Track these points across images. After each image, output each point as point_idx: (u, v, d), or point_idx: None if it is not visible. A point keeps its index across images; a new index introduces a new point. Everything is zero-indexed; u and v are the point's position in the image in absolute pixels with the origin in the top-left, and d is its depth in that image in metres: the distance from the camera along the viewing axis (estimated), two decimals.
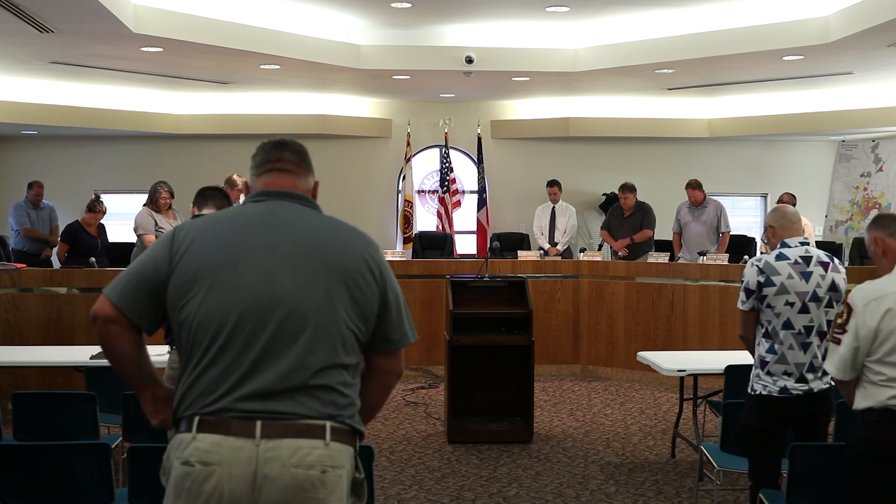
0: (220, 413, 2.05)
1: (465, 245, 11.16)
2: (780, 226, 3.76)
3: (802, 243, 3.70)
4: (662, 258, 8.06)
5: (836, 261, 3.73)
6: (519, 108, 11.50)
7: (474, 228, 11.20)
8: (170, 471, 2.11)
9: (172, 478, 2.08)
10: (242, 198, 8.43)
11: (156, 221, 7.56)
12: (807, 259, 3.66)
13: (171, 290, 2.13)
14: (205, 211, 3.95)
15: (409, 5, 7.49)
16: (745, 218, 11.43)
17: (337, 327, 2.11)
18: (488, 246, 9.18)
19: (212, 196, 4.06)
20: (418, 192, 11.43)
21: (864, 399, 3.04)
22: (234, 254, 2.12)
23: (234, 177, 8.79)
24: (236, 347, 2.07)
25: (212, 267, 2.11)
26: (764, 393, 3.66)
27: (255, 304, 2.08)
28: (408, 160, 11.11)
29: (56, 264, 8.33)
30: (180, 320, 2.13)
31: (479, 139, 11.19)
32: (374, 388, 2.27)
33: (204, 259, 2.13)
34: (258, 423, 2.03)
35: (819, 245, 7.93)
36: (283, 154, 2.29)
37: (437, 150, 11.35)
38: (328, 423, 2.07)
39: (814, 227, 9.20)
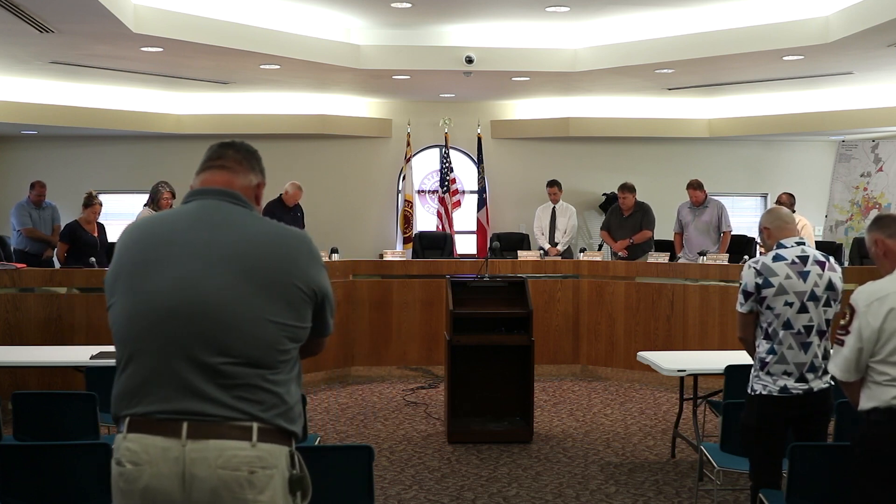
0: (148, 414, 2.07)
1: (465, 245, 11.16)
2: (776, 227, 3.77)
3: (798, 243, 3.71)
4: (662, 258, 8.06)
5: (831, 260, 3.74)
6: (519, 108, 11.49)
7: (474, 228, 11.20)
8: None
9: (112, 478, 2.12)
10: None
11: None
12: (803, 258, 3.66)
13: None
14: None
15: (409, 5, 7.49)
16: (745, 218, 11.40)
17: (260, 327, 2.09)
18: (488, 246, 9.17)
19: None
20: (418, 192, 11.42)
21: (868, 399, 3.04)
22: (154, 257, 2.14)
23: None
24: (155, 351, 2.09)
25: (130, 272, 2.16)
26: (764, 393, 3.66)
27: (172, 308, 2.08)
28: (408, 160, 11.11)
29: (57, 265, 8.31)
30: (109, 323, 2.19)
31: (479, 139, 11.19)
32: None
33: (125, 263, 2.19)
34: (184, 424, 2.04)
35: (819, 245, 7.95)
36: (225, 152, 2.30)
37: (437, 150, 11.35)
38: (255, 425, 2.06)
39: (814, 228, 9.19)
